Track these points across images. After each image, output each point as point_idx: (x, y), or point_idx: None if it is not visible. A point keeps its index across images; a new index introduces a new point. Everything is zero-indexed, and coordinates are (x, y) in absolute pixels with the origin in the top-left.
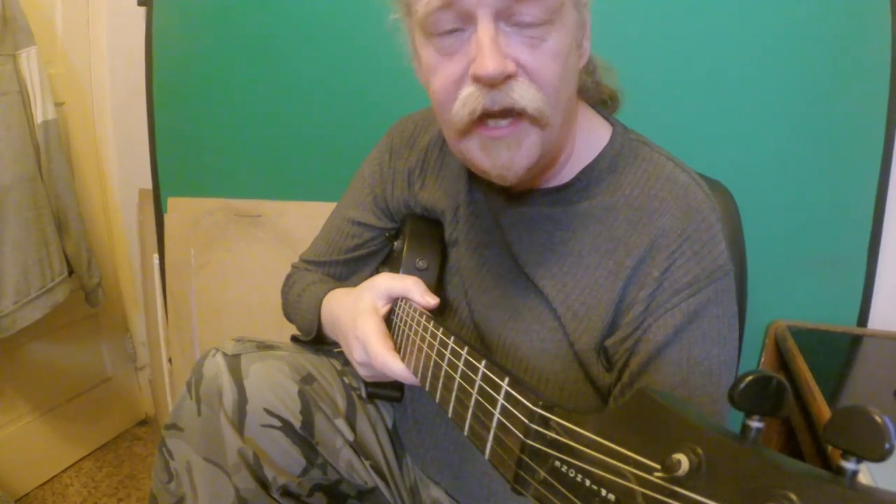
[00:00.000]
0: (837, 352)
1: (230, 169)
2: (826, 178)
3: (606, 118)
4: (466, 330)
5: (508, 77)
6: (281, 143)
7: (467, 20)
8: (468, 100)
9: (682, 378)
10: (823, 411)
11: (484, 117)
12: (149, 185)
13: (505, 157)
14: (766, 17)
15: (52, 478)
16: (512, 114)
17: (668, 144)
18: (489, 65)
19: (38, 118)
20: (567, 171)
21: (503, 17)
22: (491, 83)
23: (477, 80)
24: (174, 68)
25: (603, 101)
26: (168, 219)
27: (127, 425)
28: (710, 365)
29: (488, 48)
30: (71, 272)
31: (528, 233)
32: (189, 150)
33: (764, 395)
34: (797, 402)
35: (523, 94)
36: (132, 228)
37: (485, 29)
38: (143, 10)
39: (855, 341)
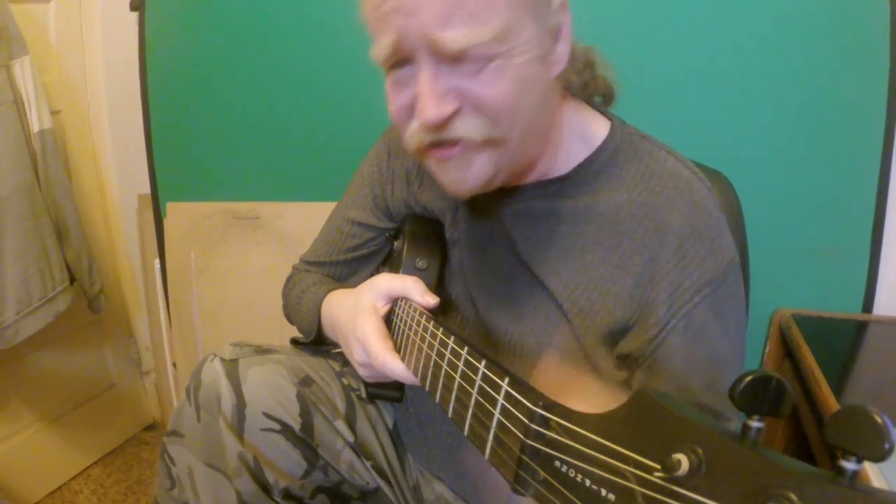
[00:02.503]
0: (842, 339)
1: (227, 172)
2: (828, 166)
3: (603, 113)
4: (472, 329)
5: (451, 115)
6: (277, 145)
7: (412, 59)
8: (414, 134)
9: (709, 380)
10: (829, 399)
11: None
12: (147, 190)
13: (456, 175)
14: (767, 9)
15: (62, 486)
16: (460, 142)
17: (669, 135)
18: (426, 112)
19: (35, 127)
20: (561, 165)
21: (443, 59)
22: (430, 128)
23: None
24: (168, 72)
25: (598, 97)
26: (167, 223)
27: (134, 431)
28: (731, 359)
29: (427, 93)
30: (72, 280)
31: (530, 228)
32: (186, 155)
33: (764, 395)
34: (802, 390)
35: (468, 129)
36: (132, 234)
37: (423, 72)
38: (136, 14)
39: (860, 328)
